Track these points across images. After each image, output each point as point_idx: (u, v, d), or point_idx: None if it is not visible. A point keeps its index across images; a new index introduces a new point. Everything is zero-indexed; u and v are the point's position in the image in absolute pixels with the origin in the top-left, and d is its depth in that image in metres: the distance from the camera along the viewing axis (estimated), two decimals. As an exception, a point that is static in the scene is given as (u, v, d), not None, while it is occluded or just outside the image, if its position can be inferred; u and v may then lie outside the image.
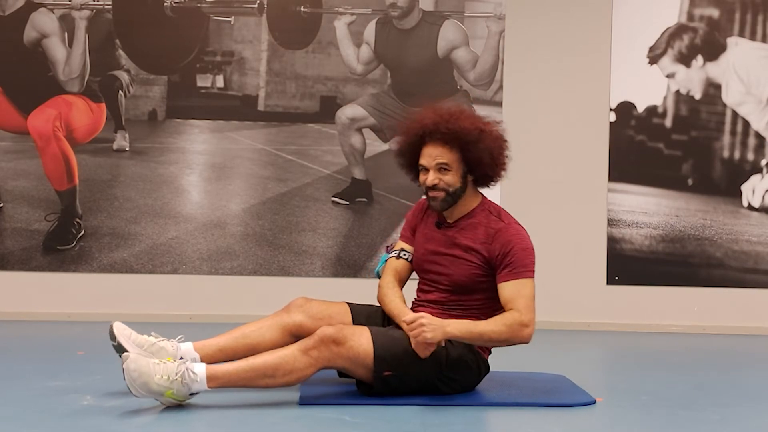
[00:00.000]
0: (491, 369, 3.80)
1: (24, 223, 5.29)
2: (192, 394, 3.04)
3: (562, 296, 5.24)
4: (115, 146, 5.37)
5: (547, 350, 4.57)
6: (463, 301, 3.27)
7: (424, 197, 3.35)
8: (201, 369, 3.03)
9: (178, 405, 3.05)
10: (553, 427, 2.94)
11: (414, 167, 3.34)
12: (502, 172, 3.34)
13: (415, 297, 3.42)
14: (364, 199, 5.35)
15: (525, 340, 3.16)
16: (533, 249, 3.24)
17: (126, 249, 5.27)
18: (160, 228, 5.31)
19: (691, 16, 5.36)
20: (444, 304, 3.29)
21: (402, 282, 3.42)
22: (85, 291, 5.22)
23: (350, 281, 5.25)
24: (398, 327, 3.23)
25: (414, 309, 3.35)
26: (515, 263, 3.18)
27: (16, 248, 5.27)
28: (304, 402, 3.13)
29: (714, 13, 5.35)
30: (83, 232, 5.28)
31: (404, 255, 3.42)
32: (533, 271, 3.20)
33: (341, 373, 3.32)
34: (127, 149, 5.37)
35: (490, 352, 3.35)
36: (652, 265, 5.33)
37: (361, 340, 3.10)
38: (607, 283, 5.31)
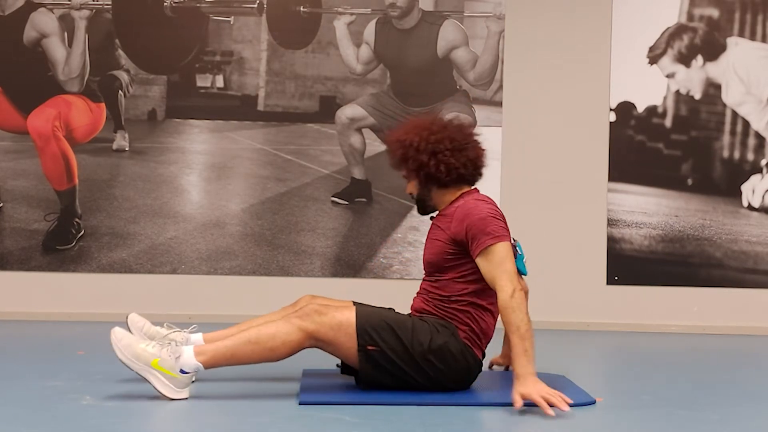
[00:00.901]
0: (492, 369, 3.81)
1: (23, 223, 5.29)
2: (183, 373, 3.08)
3: (562, 296, 5.24)
4: (114, 146, 5.37)
5: (547, 350, 4.57)
6: (436, 286, 3.33)
7: None
8: (189, 347, 3.14)
9: (175, 401, 3.05)
10: (553, 427, 2.94)
11: None
12: (449, 166, 3.35)
13: None
14: (364, 199, 5.35)
15: (526, 299, 3.22)
16: (494, 214, 3.25)
17: (125, 249, 5.27)
18: (160, 228, 5.31)
19: (691, 16, 5.36)
20: (425, 292, 3.39)
21: None
22: (85, 291, 5.22)
23: (350, 281, 5.25)
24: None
25: (412, 302, 3.45)
26: (476, 235, 3.22)
27: (16, 248, 5.27)
28: (304, 402, 3.13)
29: (714, 13, 5.35)
30: (83, 232, 5.27)
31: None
32: (497, 235, 3.20)
33: (343, 370, 3.37)
34: (126, 149, 5.37)
35: (484, 354, 3.36)
36: (652, 265, 5.33)
37: (344, 311, 3.21)
38: (607, 283, 5.31)
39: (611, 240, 5.33)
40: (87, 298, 5.21)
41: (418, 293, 3.46)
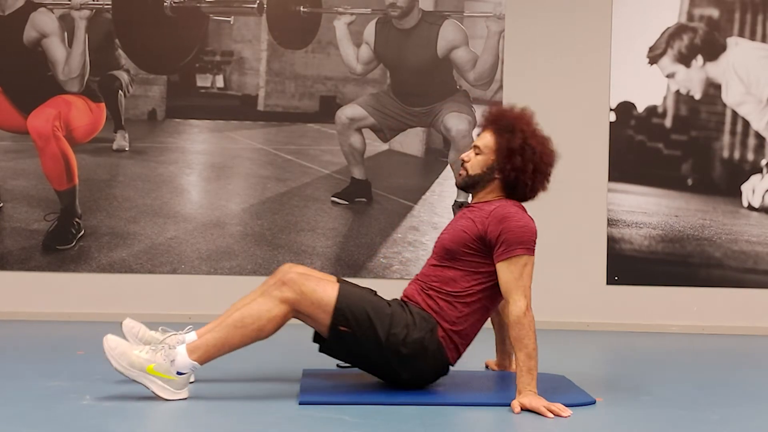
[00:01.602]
0: (493, 369, 3.81)
1: (23, 223, 5.29)
2: (180, 374, 3.08)
3: (562, 296, 5.24)
4: (114, 146, 5.37)
5: (547, 350, 4.56)
6: (439, 275, 3.30)
7: None
8: (182, 345, 3.13)
9: (176, 401, 3.05)
10: (553, 427, 2.94)
11: None
12: (533, 188, 3.40)
13: None
14: (364, 199, 5.35)
15: (533, 319, 3.16)
16: (531, 227, 3.26)
17: (125, 249, 5.27)
18: (160, 228, 5.30)
19: (691, 16, 5.36)
20: (425, 278, 3.35)
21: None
22: (85, 291, 5.22)
23: (350, 281, 5.24)
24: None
25: (405, 290, 3.42)
26: (509, 240, 3.20)
27: (16, 248, 5.27)
28: (304, 402, 3.13)
29: (714, 13, 5.35)
30: (83, 231, 5.27)
31: None
32: (526, 247, 3.21)
33: (314, 338, 3.34)
34: (126, 149, 5.37)
35: (459, 355, 3.35)
36: (652, 265, 5.33)
37: (326, 286, 3.19)
38: (607, 283, 5.31)
39: (611, 240, 5.33)
40: (87, 298, 5.21)
41: (416, 278, 3.41)
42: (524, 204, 3.41)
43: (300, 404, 3.12)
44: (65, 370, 3.65)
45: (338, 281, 3.34)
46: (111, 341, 3.11)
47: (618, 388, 3.64)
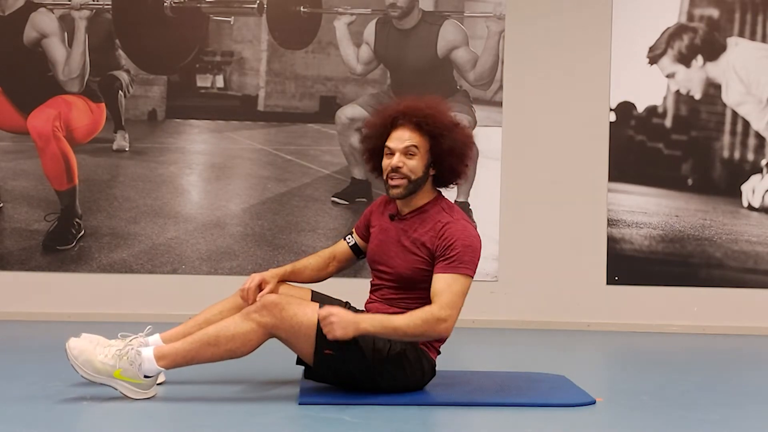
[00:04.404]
0: (493, 369, 3.82)
1: (24, 223, 5.29)
2: (147, 377, 3.07)
3: (562, 296, 5.24)
4: (114, 146, 5.37)
5: (547, 350, 4.57)
6: (408, 297, 3.24)
7: (384, 195, 3.41)
8: (148, 349, 3.08)
9: (175, 403, 3.05)
10: (553, 427, 2.94)
11: (377, 154, 3.33)
12: (464, 174, 3.33)
13: (369, 296, 3.40)
14: (364, 199, 5.35)
15: (442, 335, 3.11)
16: (478, 248, 3.19)
17: (125, 249, 5.27)
18: (160, 228, 5.31)
19: (691, 16, 5.36)
20: (391, 300, 3.27)
21: (337, 263, 3.49)
22: (85, 291, 5.22)
23: (350, 281, 5.22)
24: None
25: (367, 306, 3.36)
26: (454, 257, 3.12)
27: (16, 248, 5.27)
28: (304, 402, 3.13)
29: (714, 13, 5.35)
30: (83, 232, 5.28)
31: (348, 239, 3.49)
32: (472, 270, 3.15)
33: (298, 361, 3.30)
34: (126, 149, 5.37)
35: (438, 352, 3.33)
36: (652, 265, 5.33)
37: (306, 310, 3.10)
38: (607, 283, 5.31)
39: (611, 240, 5.33)
40: (87, 298, 5.21)
41: (374, 300, 3.33)
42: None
43: (300, 404, 3.12)
44: (65, 371, 3.64)
45: (312, 293, 3.31)
46: (74, 349, 3.06)
47: (618, 388, 3.64)
